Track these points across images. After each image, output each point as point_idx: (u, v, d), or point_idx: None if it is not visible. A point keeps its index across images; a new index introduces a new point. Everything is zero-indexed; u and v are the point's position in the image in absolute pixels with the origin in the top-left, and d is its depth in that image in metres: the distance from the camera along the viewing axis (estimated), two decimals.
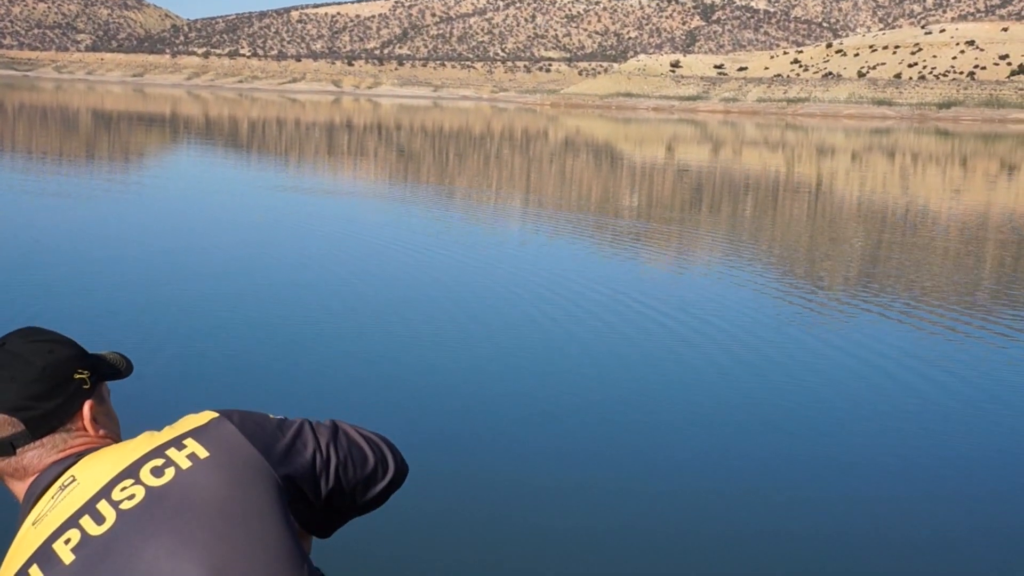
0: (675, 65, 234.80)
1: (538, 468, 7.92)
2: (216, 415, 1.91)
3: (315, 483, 1.91)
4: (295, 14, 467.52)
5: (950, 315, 14.95)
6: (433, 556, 6.40)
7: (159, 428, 1.93)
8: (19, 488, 1.88)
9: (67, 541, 1.73)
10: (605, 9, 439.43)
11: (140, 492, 1.76)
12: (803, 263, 21.01)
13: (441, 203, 29.89)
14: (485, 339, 12.11)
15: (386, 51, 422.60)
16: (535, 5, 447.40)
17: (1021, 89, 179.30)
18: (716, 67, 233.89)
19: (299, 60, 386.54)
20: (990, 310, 15.67)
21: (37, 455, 1.86)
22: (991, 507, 7.72)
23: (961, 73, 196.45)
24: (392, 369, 10.56)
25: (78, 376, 1.90)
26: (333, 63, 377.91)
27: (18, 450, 1.85)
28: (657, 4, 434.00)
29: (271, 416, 1.97)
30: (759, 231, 26.08)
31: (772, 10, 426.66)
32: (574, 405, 9.65)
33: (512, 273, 16.85)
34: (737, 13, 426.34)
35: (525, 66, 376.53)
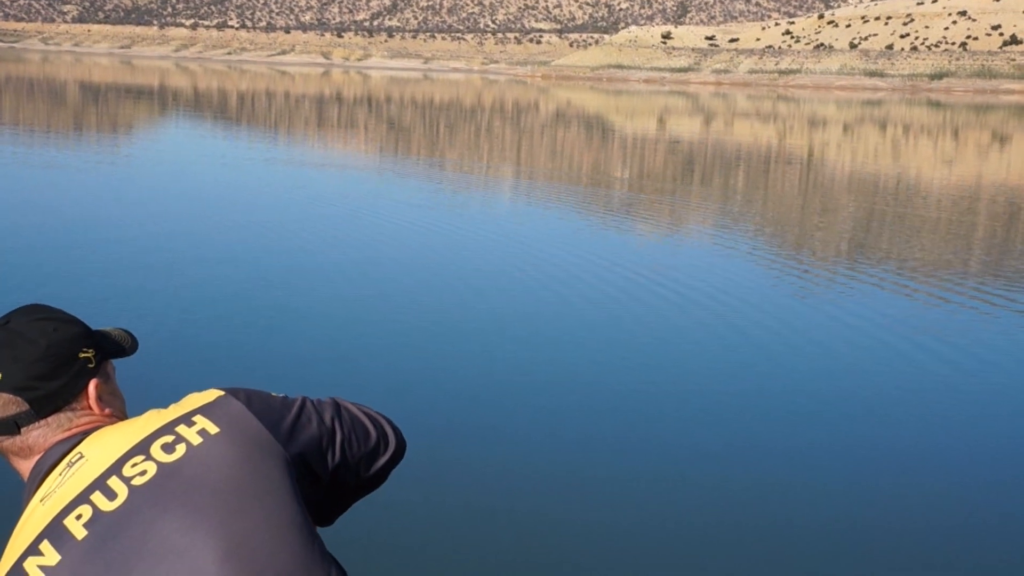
0: (666, 36, 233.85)
1: (539, 452, 7.88)
2: (222, 393, 1.91)
3: (322, 458, 1.92)
4: None
5: (944, 285, 14.99)
6: (439, 545, 6.38)
7: (160, 407, 1.92)
8: (24, 466, 1.87)
9: (78, 517, 1.72)
10: None
11: (152, 468, 1.76)
12: (798, 235, 21.02)
13: (434, 176, 29.81)
14: (486, 315, 12.10)
15: (376, 23, 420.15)
16: None
17: (1013, 60, 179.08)
18: (707, 38, 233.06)
19: (288, 32, 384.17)
20: (984, 280, 15.71)
21: (42, 434, 1.84)
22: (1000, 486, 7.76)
23: (953, 44, 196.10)
24: (391, 349, 10.54)
25: (83, 355, 1.89)
26: (322, 35, 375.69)
27: (23, 429, 1.83)
28: None
29: (273, 394, 1.97)
30: (752, 203, 26.07)
31: None
32: (578, 383, 9.63)
33: (508, 246, 16.84)
34: None
35: (516, 38, 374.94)
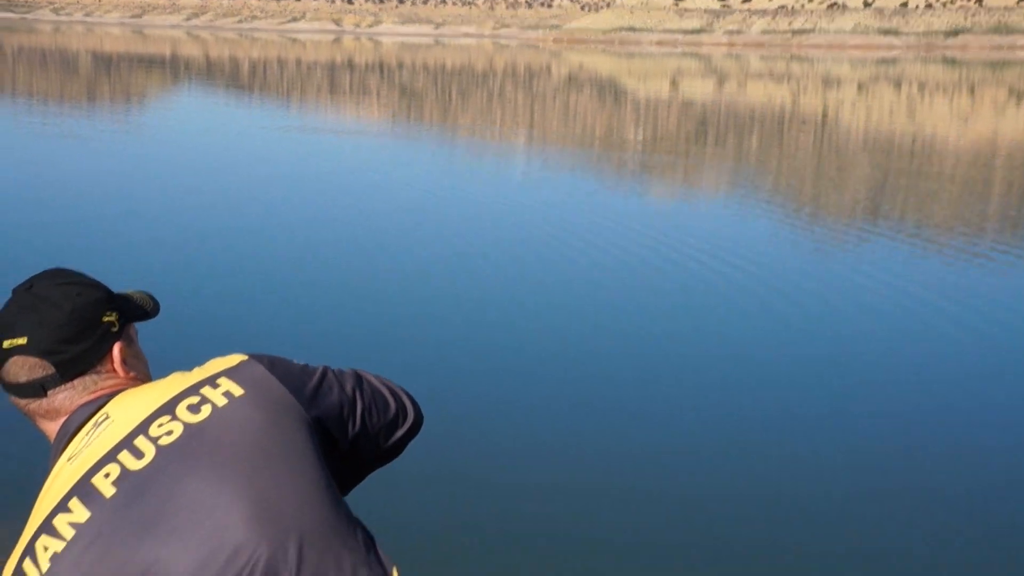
0: None
1: (560, 422, 7.84)
2: (245, 357, 1.94)
3: (342, 426, 1.95)
4: None
5: (966, 243, 14.90)
6: (461, 520, 6.37)
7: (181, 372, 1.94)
8: (50, 428, 1.90)
9: (107, 475, 1.74)
10: None
11: (178, 428, 1.78)
12: (815, 194, 20.92)
13: (447, 142, 29.75)
14: (503, 280, 12.11)
15: None
16: None
17: None
18: None
19: None
20: (1005, 237, 15.62)
21: (68, 397, 1.87)
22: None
23: None
24: (412, 319, 10.50)
25: (107, 319, 1.91)
26: (333, 2, 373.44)
27: (48, 392, 1.86)
28: None
29: (295, 361, 2.00)
30: (766, 164, 25.94)
31: None
32: (601, 351, 9.58)
33: (524, 211, 16.81)
34: None
35: (527, 2, 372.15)
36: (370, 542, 1.84)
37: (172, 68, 70.01)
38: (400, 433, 2.07)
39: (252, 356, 1.94)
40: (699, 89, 60.62)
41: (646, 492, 6.66)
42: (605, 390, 8.44)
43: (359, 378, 2.04)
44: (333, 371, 2.01)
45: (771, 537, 6.17)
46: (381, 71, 77.12)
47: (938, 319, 10.61)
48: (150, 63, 74.29)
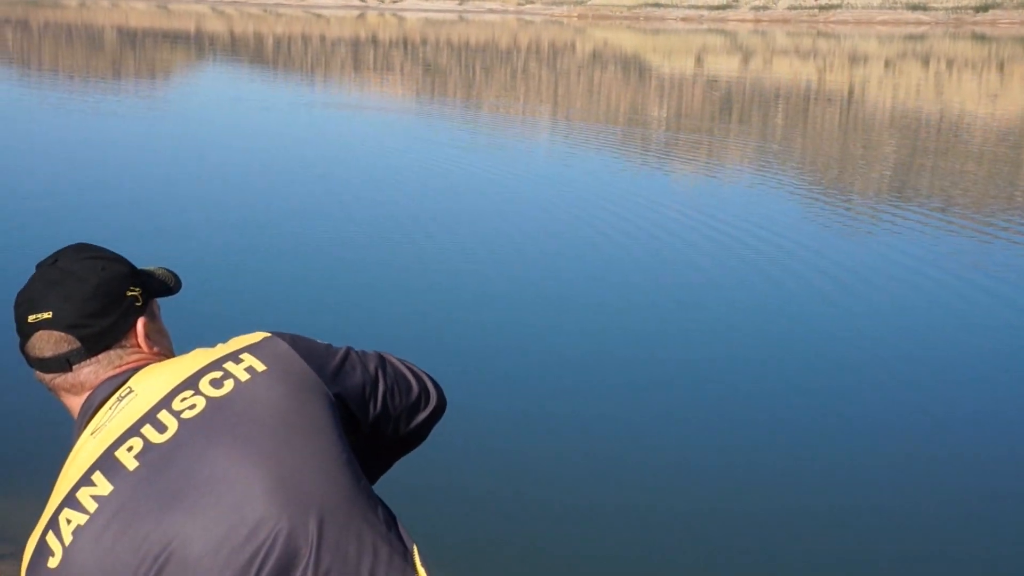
0: None
1: (577, 403, 7.79)
2: (268, 334, 1.94)
3: (364, 406, 1.96)
4: None
5: (995, 222, 14.74)
6: (458, 505, 6.32)
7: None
8: (75, 403, 1.91)
9: (129, 448, 1.76)
10: None
11: (201, 402, 1.79)
12: (842, 173, 20.76)
13: (471, 119, 29.66)
14: (526, 258, 12.07)
15: None
16: None
17: None
18: None
19: None
20: None
21: (93, 371, 1.89)
22: None
23: None
24: (427, 298, 10.48)
25: (130, 293, 1.93)
26: None
27: (74, 367, 1.88)
28: None
29: (318, 340, 2.01)
30: (793, 142, 25.74)
31: None
32: (627, 329, 9.56)
33: (551, 189, 16.75)
34: None
35: None
36: (391, 519, 1.85)
37: (197, 44, 70.07)
38: (422, 416, 2.08)
39: (275, 333, 1.95)
40: (724, 66, 60.17)
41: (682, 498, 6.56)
42: (620, 383, 8.34)
43: (382, 360, 2.04)
44: (356, 351, 2.02)
45: (814, 547, 6.07)
46: (405, 47, 76.93)
47: (982, 299, 10.48)
48: (175, 39, 74.37)
